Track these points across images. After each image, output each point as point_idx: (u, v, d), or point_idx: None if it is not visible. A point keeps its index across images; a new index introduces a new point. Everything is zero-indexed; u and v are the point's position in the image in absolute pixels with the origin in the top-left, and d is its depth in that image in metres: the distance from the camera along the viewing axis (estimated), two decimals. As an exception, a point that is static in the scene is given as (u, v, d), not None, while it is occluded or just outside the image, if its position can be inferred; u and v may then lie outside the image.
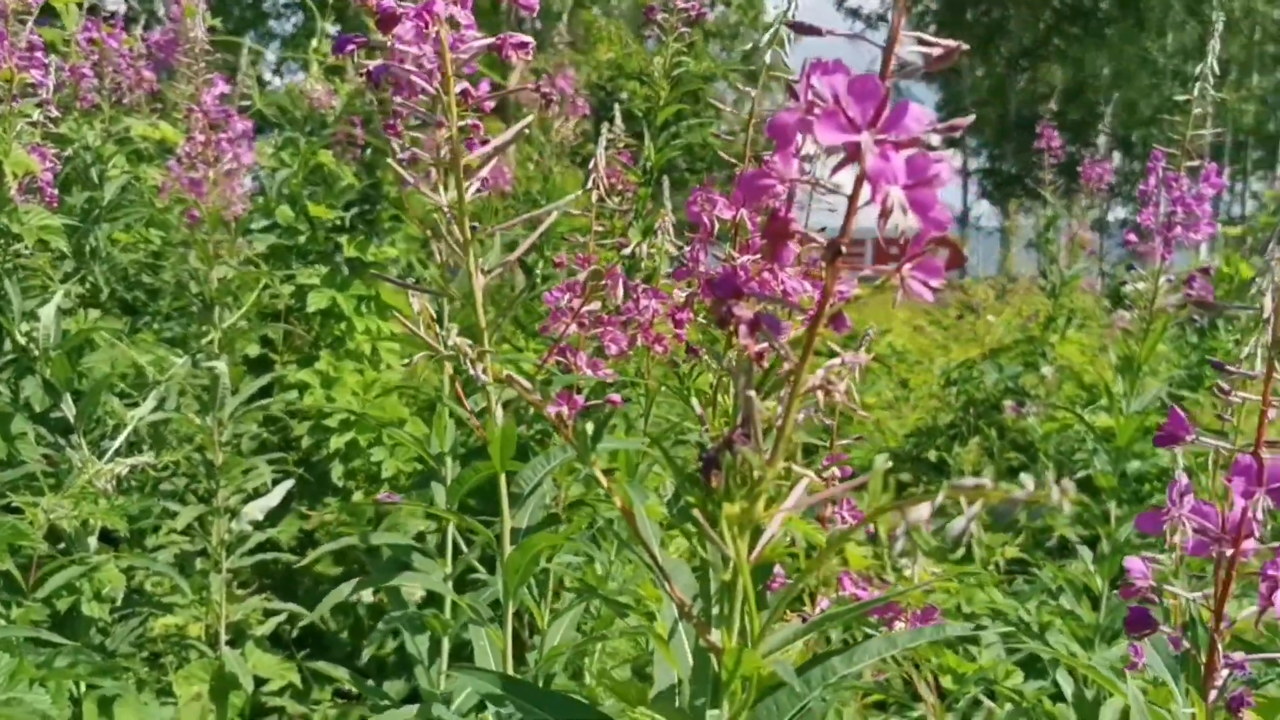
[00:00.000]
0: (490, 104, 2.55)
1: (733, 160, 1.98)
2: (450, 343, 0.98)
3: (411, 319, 1.13)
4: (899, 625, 2.24)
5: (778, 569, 2.18)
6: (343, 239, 4.26)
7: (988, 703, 2.94)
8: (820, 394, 0.79)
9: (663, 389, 2.53)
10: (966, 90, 34.48)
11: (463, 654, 2.31)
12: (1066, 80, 28.97)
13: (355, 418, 3.85)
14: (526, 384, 0.89)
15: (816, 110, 0.74)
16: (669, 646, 0.90)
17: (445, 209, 1.11)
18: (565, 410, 2.64)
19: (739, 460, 0.78)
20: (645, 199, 3.57)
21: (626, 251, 1.36)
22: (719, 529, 0.80)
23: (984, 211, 38.18)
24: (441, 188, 1.21)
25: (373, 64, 1.03)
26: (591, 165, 2.81)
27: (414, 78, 1.08)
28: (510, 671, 1.37)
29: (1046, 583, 3.67)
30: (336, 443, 3.90)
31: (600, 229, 2.99)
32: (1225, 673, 1.17)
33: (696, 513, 0.80)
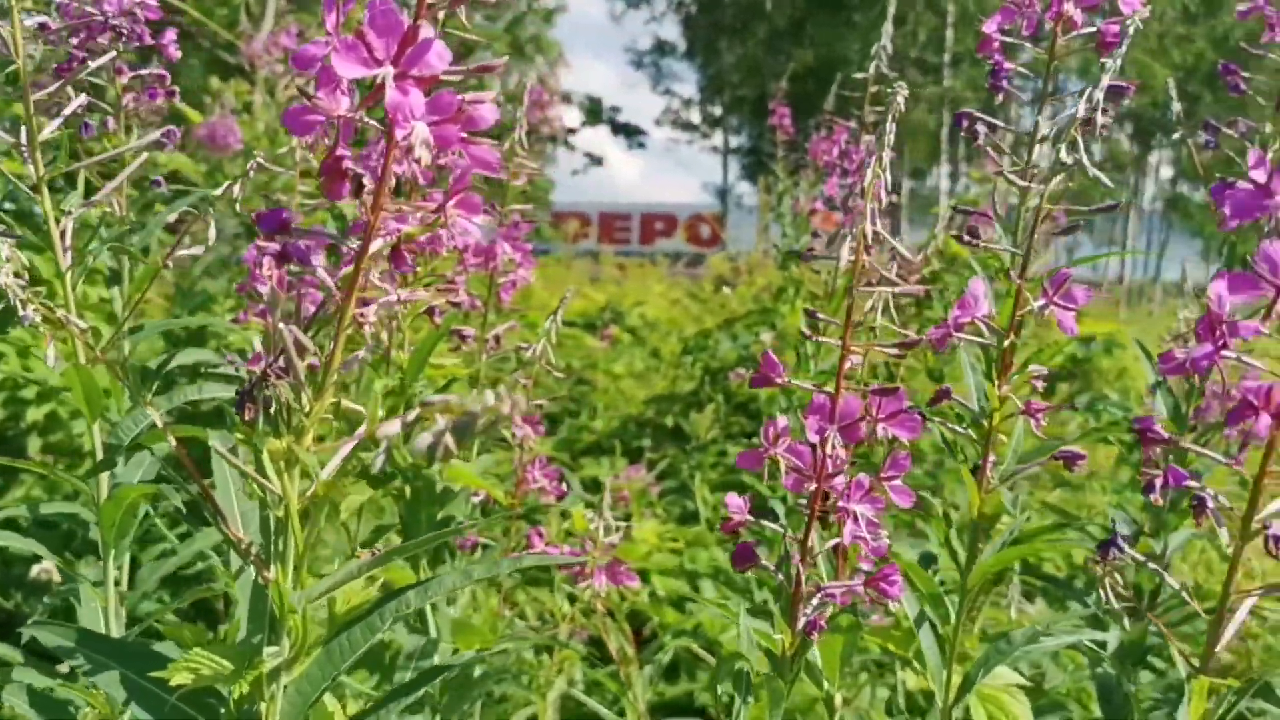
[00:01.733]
0: (176, 53, 2.43)
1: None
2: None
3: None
4: (600, 579, 2.29)
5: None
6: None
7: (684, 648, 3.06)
8: (361, 329, 0.80)
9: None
10: (728, 69, 35.38)
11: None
12: (817, 62, 30.15)
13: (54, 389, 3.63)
14: (79, 325, 0.86)
15: (339, 44, 0.75)
16: (237, 586, 0.90)
17: (22, 149, 1.06)
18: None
19: (280, 395, 0.78)
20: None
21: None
22: (264, 465, 0.79)
23: (747, 189, 39.38)
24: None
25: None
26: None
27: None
28: (117, 626, 1.33)
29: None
30: (34, 415, 3.66)
31: (305, 188, 2.91)
32: (815, 601, 1.26)
33: (241, 448, 0.79)
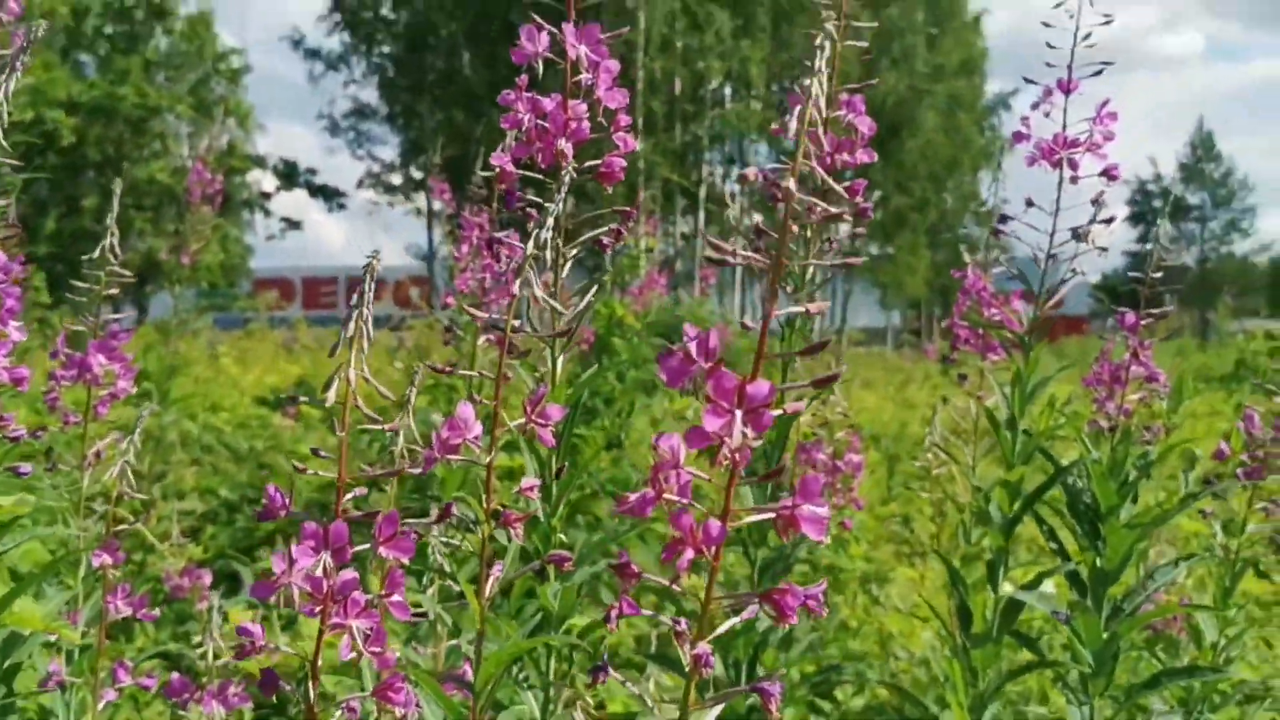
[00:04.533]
0: None
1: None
2: None
3: None
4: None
5: None
6: None
7: None
8: None
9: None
10: (430, 132, 35.28)
11: None
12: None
13: None
14: None
15: None
16: None
17: None
18: None
19: None
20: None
21: None
22: None
23: (449, 251, 39.19)
24: None
25: None
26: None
27: None
28: None
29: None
30: None
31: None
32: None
33: None
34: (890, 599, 5.33)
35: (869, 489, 6.11)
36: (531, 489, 1.53)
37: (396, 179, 36.50)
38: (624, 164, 1.73)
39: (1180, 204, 57.35)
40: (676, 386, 1.05)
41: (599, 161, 1.73)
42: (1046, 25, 2.23)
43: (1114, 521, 2.32)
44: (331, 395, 1.22)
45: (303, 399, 1.84)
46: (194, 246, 5.97)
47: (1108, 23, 2.20)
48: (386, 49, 35.11)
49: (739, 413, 1.04)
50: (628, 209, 1.78)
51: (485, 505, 1.50)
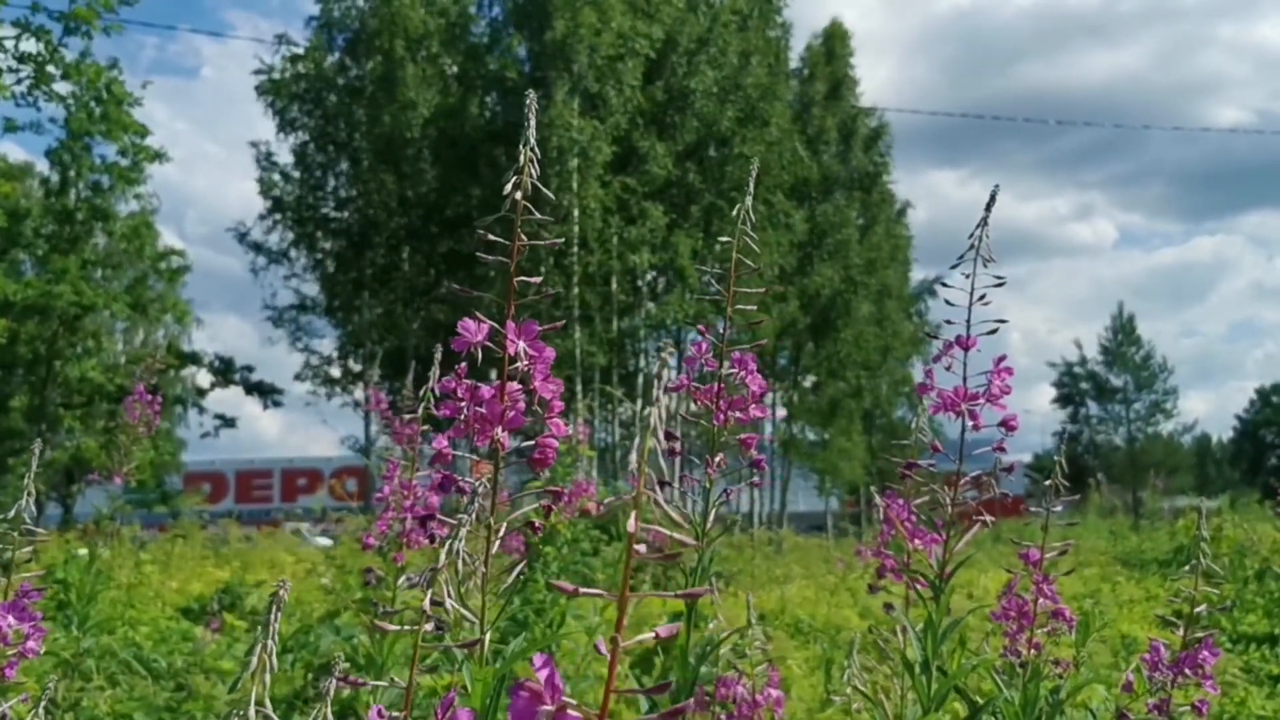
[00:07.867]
0: None
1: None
2: None
3: None
4: None
5: None
6: None
7: None
8: None
9: None
10: (367, 325, 35.46)
11: None
12: (454, 317, 30.82)
13: None
14: None
15: None
16: None
17: None
18: None
19: None
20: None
21: None
22: None
23: (389, 442, 38.77)
24: None
25: None
26: None
27: None
28: None
29: None
30: None
31: None
32: None
33: None
34: (830, 818, 5.19)
35: (806, 690, 6.03)
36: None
37: (335, 371, 36.35)
38: (556, 446, 1.81)
39: (1105, 387, 58.93)
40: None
41: (533, 443, 1.80)
42: (945, 285, 2.37)
43: (1031, 761, 2.33)
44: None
45: (226, 612, 1.81)
46: (124, 469, 5.91)
47: (1000, 284, 2.34)
48: (328, 245, 35.47)
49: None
50: (558, 489, 1.86)
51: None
